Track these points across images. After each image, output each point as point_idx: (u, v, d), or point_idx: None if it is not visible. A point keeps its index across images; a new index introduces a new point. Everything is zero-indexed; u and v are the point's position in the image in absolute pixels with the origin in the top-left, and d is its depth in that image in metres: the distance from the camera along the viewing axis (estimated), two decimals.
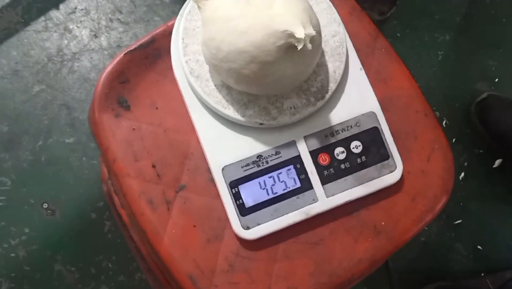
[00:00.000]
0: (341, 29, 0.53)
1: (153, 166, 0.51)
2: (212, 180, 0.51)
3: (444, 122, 1.14)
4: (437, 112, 1.15)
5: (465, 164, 1.13)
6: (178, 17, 0.53)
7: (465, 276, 1.08)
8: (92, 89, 1.10)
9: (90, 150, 1.06)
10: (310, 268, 0.52)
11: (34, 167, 1.05)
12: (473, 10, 1.23)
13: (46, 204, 1.03)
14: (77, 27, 1.14)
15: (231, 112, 0.50)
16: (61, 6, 1.15)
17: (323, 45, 0.52)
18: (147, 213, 0.50)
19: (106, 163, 0.54)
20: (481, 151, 1.14)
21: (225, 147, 0.51)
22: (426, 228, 1.04)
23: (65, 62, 1.11)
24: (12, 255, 1.01)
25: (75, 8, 1.15)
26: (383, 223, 0.53)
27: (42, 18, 1.14)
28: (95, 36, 1.14)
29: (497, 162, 1.13)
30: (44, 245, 1.02)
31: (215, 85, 0.50)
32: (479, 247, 1.09)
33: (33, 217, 1.03)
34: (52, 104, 1.09)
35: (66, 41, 1.13)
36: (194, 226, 0.50)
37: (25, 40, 1.12)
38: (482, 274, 1.07)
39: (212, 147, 0.51)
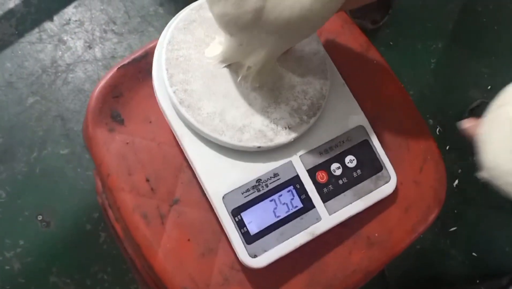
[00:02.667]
0: (320, 47, 0.54)
1: (147, 180, 0.51)
2: (206, 194, 0.51)
3: (437, 129, 1.15)
4: (430, 120, 1.15)
5: (459, 171, 1.13)
6: (158, 47, 0.52)
7: (461, 283, 1.08)
8: (86, 100, 1.10)
9: (85, 161, 1.06)
10: (305, 279, 0.52)
11: (28, 179, 1.05)
12: (465, 18, 1.24)
13: (41, 215, 1.03)
14: (71, 38, 1.14)
15: (227, 138, 0.49)
16: (55, 17, 1.15)
17: (306, 63, 0.53)
18: (141, 227, 0.50)
19: (100, 178, 0.54)
20: (474, 158, 1.14)
21: (223, 175, 0.50)
22: (421, 236, 1.04)
23: (60, 74, 1.12)
24: (7, 267, 1.00)
25: (69, 19, 1.15)
26: (376, 234, 0.53)
27: (36, 29, 1.14)
28: (89, 47, 1.14)
29: None
30: (39, 257, 1.01)
31: (207, 113, 0.49)
32: (474, 254, 1.09)
33: (28, 229, 1.02)
34: (47, 116, 1.09)
35: (60, 53, 1.13)
36: (189, 239, 0.51)
37: (19, 52, 1.13)
38: (478, 281, 1.07)
39: (210, 177, 0.50)
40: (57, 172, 1.06)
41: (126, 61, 0.55)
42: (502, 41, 1.23)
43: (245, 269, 0.51)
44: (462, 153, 1.14)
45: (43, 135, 1.07)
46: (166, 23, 0.52)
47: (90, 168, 1.06)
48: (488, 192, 1.12)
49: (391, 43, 1.20)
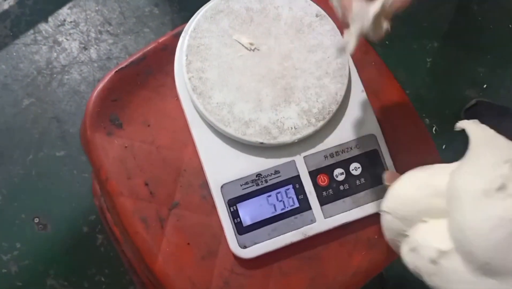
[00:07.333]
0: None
1: (146, 184, 0.51)
2: (205, 197, 0.51)
3: (434, 128, 1.15)
4: (426, 119, 1.15)
5: None
6: (183, 34, 0.53)
7: None
8: (82, 101, 1.10)
9: (81, 163, 1.06)
10: (305, 282, 0.52)
11: (25, 181, 1.04)
12: (461, 18, 1.24)
13: (37, 218, 1.02)
14: (66, 39, 1.14)
15: (232, 130, 0.50)
16: (50, 18, 1.15)
17: (325, 66, 0.53)
18: (140, 231, 0.50)
19: (99, 182, 0.54)
20: None
21: (224, 165, 0.51)
22: None
23: (55, 75, 1.11)
24: (4, 270, 1.00)
25: (64, 20, 1.15)
26: (376, 237, 0.53)
27: (31, 31, 1.13)
28: (85, 48, 1.13)
29: None
30: (36, 260, 1.01)
31: (217, 103, 0.50)
32: None
33: (25, 232, 1.02)
34: (42, 118, 1.08)
35: (55, 54, 1.12)
36: (188, 243, 0.50)
37: (14, 54, 1.12)
38: None
39: (212, 165, 0.51)
40: (53, 174, 1.05)
41: (124, 64, 0.54)
42: (497, 40, 1.23)
43: (245, 272, 0.51)
44: (459, 152, 1.14)
45: (39, 137, 1.07)
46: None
47: (87, 170, 1.05)
48: None
49: (387, 42, 1.20)
